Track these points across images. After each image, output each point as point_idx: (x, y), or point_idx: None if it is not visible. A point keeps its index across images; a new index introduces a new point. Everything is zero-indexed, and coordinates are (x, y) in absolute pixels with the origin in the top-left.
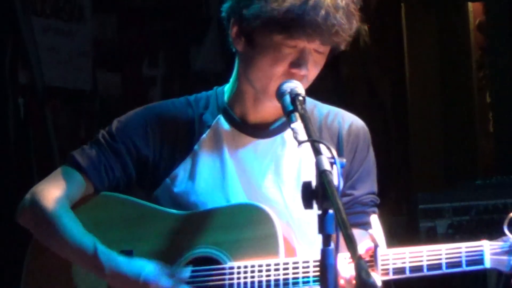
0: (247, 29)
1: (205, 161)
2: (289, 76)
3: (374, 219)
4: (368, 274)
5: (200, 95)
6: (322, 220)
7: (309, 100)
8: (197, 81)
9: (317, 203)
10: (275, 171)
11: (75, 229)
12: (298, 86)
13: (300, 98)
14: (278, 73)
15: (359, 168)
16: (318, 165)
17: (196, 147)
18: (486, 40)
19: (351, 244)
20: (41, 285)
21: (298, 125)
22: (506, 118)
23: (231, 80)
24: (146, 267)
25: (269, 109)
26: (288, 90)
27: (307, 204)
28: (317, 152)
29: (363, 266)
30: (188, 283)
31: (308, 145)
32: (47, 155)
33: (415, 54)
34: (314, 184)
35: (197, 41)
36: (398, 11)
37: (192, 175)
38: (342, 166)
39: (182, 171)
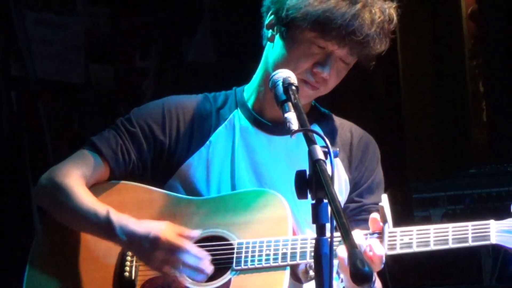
0: (284, 20)
1: (219, 153)
2: (310, 75)
3: (385, 199)
4: (363, 263)
5: (219, 93)
6: (316, 210)
7: (323, 110)
8: (190, 73)
9: (310, 192)
10: (287, 166)
11: (89, 198)
12: (291, 76)
13: (293, 87)
14: (301, 68)
15: (368, 178)
16: (312, 154)
17: (211, 138)
18: (479, 29)
19: (346, 233)
20: (49, 262)
21: (291, 114)
22: (499, 107)
23: (253, 78)
24: (156, 224)
25: None
26: (281, 80)
27: (301, 194)
28: (310, 142)
29: (357, 255)
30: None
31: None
32: (40, 148)
33: (407, 44)
34: (308, 173)
35: (189, 33)
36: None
37: (205, 166)
38: (335, 156)
39: (196, 161)
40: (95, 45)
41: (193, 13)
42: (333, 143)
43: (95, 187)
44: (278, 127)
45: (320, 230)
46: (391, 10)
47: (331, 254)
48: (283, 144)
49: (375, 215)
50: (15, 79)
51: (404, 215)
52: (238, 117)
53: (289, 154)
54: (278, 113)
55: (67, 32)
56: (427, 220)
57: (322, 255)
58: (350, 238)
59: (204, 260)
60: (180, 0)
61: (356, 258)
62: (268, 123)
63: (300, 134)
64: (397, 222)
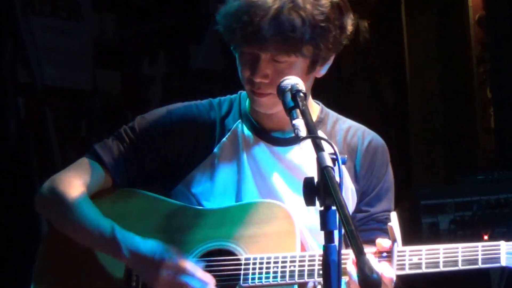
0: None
1: (224, 164)
2: (250, 83)
3: (394, 217)
4: (371, 270)
5: (224, 98)
6: (324, 217)
7: (331, 113)
8: (197, 80)
9: (319, 199)
10: (292, 177)
11: (92, 212)
12: (299, 83)
13: (301, 94)
14: (244, 79)
15: (376, 185)
16: (320, 161)
17: (216, 149)
18: (486, 35)
19: (354, 240)
20: (54, 274)
21: (299, 121)
22: (506, 113)
23: None
24: (161, 246)
25: (281, 116)
26: (289, 87)
27: (309, 201)
28: (318, 148)
29: (366, 262)
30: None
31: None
32: (47, 154)
33: (415, 50)
34: (316, 180)
35: (197, 39)
36: (398, 6)
37: (210, 177)
38: (343, 162)
39: (200, 172)
40: (102, 51)
41: (200, 20)
42: (341, 150)
43: (100, 194)
44: (280, 138)
45: (328, 237)
46: None
47: (339, 260)
48: (287, 155)
49: (380, 241)
50: (23, 86)
51: (412, 222)
52: (241, 128)
53: (292, 165)
54: (275, 123)
55: (75, 38)
56: (435, 226)
57: (330, 262)
58: (358, 245)
59: (209, 285)
60: (187, 6)
61: (364, 265)
62: (270, 133)
63: (307, 142)
64: (405, 229)
